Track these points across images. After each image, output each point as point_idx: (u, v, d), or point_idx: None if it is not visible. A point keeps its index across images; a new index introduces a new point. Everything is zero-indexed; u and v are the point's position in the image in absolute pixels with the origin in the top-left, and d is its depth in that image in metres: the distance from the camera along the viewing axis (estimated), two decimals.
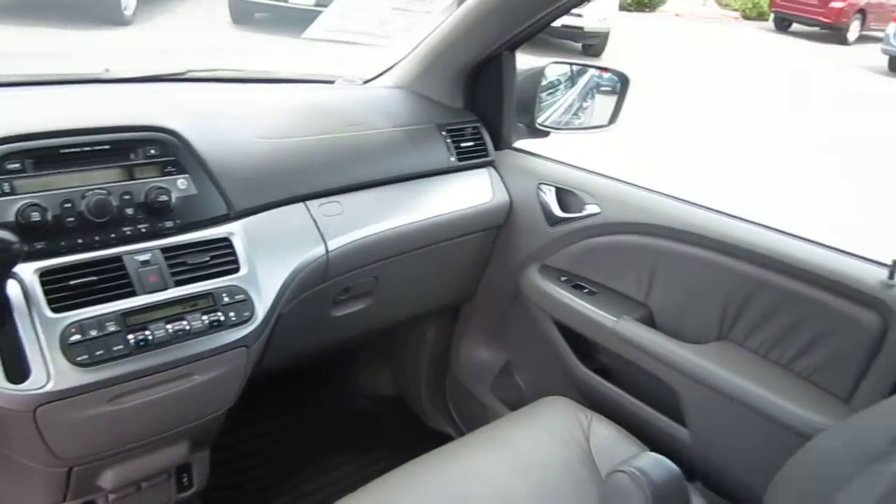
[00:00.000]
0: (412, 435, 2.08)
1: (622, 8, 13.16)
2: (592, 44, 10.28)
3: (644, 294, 1.57)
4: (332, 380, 2.20)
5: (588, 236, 1.62)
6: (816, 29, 15.15)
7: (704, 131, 7.26)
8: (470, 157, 1.68)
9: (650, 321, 1.56)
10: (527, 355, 1.86)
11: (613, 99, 1.90)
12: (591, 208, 1.62)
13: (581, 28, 9.89)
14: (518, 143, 1.81)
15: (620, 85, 1.89)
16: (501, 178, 1.73)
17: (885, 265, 1.26)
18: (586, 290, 1.63)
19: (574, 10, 7.58)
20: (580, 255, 1.65)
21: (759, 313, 1.40)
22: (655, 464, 0.73)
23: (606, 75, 1.96)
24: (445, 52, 1.67)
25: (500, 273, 1.80)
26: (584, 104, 2.02)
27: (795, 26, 15.75)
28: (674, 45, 12.49)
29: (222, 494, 1.69)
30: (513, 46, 1.66)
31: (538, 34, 1.64)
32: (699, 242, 1.47)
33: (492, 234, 1.75)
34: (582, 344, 1.66)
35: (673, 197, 1.56)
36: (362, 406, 2.17)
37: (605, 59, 10.15)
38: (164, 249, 1.14)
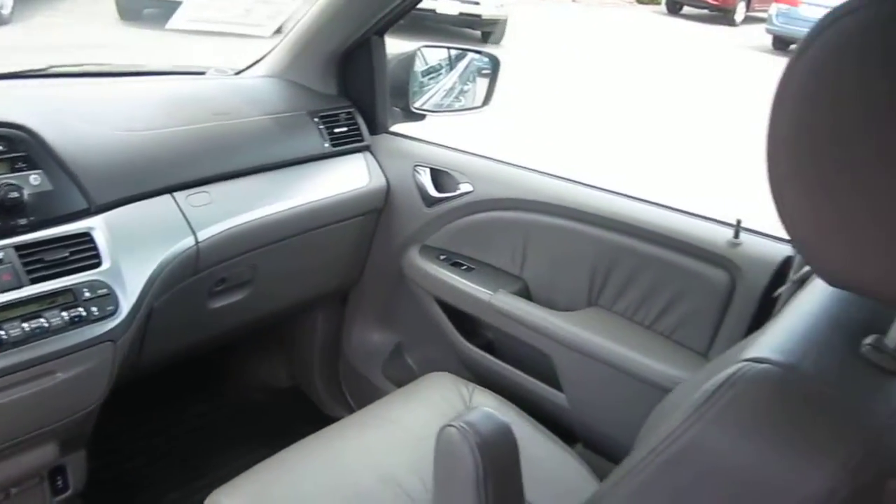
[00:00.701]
0: (309, 424, 2.08)
1: None
2: (491, 31, 10.39)
3: (519, 267, 1.62)
4: (226, 374, 2.18)
5: (463, 214, 1.66)
6: (706, 11, 15.74)
7: (583, 108, 7.49)
8: (344, 143, 1.69)
9: (526, 293, 1.61)
10: (415, 335, 1.89)
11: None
12: (464, 187, 1.66)
13: (479, 16, 9.99)
14: (396, 127, 1.84)
15: (492, 67, 1.94)
16: (378, 162, 1.75)
17: (730, 225, 1.35)
18: (464, 267, 1.67)
19: None
20: (457, 233, 1.69)
21: (624, 278, 1.47)
22: (484, 417, 0.76)
23: (480, 57, 2.01)
24: (314, 39, 1.67)
25: (383, 256, 1.82)
26: (465, 87, 2.06)
27: (686, 9, 16.32)
28: (568, 30, 12.75)
29: (110, 496, 1.66)
30: (380, 31, 1.68)
31: (403, 17, 1.67)
32: (567, 214, 1.53)
33: (372, 217, 1.76)
34: (464, 320, 1.70)
35: (541, 172, 1.61)
36: (258, 399, 2.15)
37: (505, 46, 10.29)
38: (19, 247, 1.11)
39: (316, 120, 1.66)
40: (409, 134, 1.82)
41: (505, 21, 10.42)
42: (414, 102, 1.84)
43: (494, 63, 1.93)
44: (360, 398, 2.05)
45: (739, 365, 0.63)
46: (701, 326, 1.38)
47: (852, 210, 0.57)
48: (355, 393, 2.05)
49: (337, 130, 1.69)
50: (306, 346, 2.05)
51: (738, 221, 1.33)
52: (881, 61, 0.55)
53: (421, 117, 1.86)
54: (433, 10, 9.68)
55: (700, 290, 1.37)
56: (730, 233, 1.34)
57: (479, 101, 1.95)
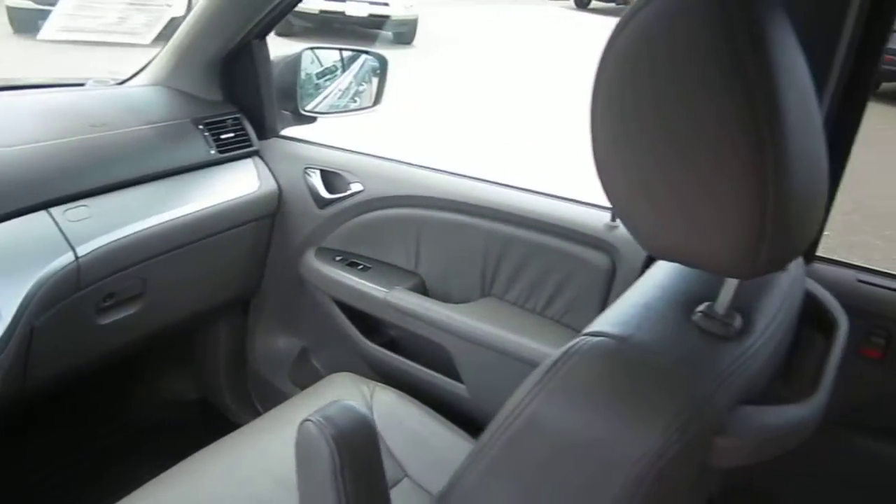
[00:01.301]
0: (220, 435, 2.06)
1: None
2: (402, 31, 10.42)
3: (414, 263, 1.64)
4: (131, 391, 2.13)
5: (356, 214, 1.67)
6: (612, 4, 16.11)
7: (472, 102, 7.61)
8: (232, 149, 1.68)
9: (422, 288, 1.63)
10: (319, 338, 1.88)
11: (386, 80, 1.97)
12: (354, 187, 1.66)
13: (388, 17, 10.01)
14: (287, 131, 1.83)
15: (381, 67, 1.95)
16: (268, 166, 1.74)
17: (608, 209, 1.39)
18: (360, 267, 1.68)
19: (378, 0, 7.56)
20: (351, 233, 1.69)
21: (514, 268, 1.50)
22: (341, 410, 0.77)
23: (371, 58, 2.02)
24: (193, 45, 1.65)
25: (281, 261, 1.81)
26: (361, 87, 2.07)
27: (595, 3, 16.67)
28: (480, 28, 12.87)
29: None
30: (261, 35, 1.67)
31: (281, 20, 1.66)
32: (457, 208, 1.55)
33: (266, 223, 1.75)
34: (365, 319, 1.70)
35: (430, 168, 1.63)
36: (165, 414, 2.11)
37: (416, 46, 10.33)
38: None
39: (201, 127, 1.64)
40: (305, 137, 1.81)
41: (415, 21, 10.46)
42: (305, 105, 1.83)
43: (383, 63, 1.94)
44: (268, 405, 2.03)
45: (576, 339, 0.66)
46: (588, 309, 1.42)
47: (672, 185, 0.61)
48: (263, 400, 2.03)
49: (223, 137, 1.67)
50: (211, 357, 2.02)
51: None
52: (672, 52, 0.58)
53: (311, 120, 1.85)
54: (342, 13, 9.66)
55: (585, 273, 1.41)
56: (607, 216, 1.38)
57: (369, 101, 1.95)
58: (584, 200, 1.45)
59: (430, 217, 1.58)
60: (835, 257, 1.28)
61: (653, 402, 0.61)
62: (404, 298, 1.56)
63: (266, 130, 1.76)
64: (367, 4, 9.85)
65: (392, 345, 1.70)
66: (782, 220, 0.59)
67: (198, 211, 1.55)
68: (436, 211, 1.57)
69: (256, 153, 1.74)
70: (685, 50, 0.58)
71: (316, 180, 1.70)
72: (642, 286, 0.77)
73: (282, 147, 1.77)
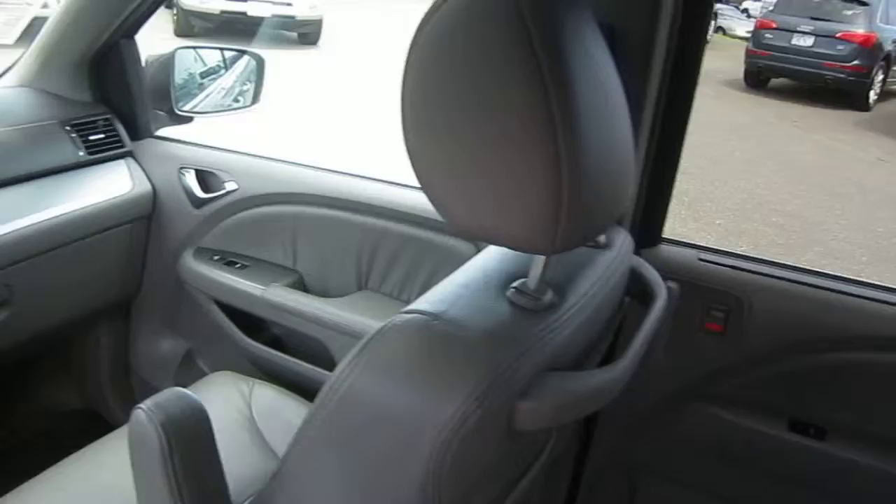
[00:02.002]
0: None
1: None
2: (307, 32, 10.33)
3: (292, 260, 1.65)
4: (10, 402, 2.06)
5: (232, 213, 1.67)
6: None
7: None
8: (102, 150, 1.65)
9: (301, 284, 1.64)
10: (203, 339, 1.87)
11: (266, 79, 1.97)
12: (229, 185, 1.67)
13: (292, 17, 9.91)
14: (164, 131, 1.81)
15: (258, 67, 1.95)
16: (142, 167, 1.72)
17: None
18: (238, 265, 1.68)
19: (283, 0, 7.51)
20: (228, 232, 1.70)
21: (387, 260, 1.54)
22: (172, 397, 0.79)
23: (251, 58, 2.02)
24: (59, 45, 1.62)
25: (159, 263, 1.79)
26: (244, 87, 2.06)
27: None
28: (389, 29, 12.87)
29: None
30: (129, 34, 1.65)
31: (149, 18, 1.65)
32: (331, 204, 1.58)
33: (141, 224, 1.73)
34: (246, 318, 1.71)
35: (304, 165, 1.65)
36: (49, 425, 2.06)
37: (321, 46, 10.26)
38: None
39: (68, 128, 1.61)
40: (183, 137, 1.80)
41: (320, 21, 10.38)
42: (183, 105, 1.82)
43: (260, 62, 1.95)
44: None
45: (393, 318, 0.70)
46: None
47: (475, 168, 0.65)
48: None
49: (93, 138, 1.64)
50: (93, 364, 1.98)
51: None
52: (470, 43, 0.63)
53: (188, 120, 1.84)
54: (244, 13, 9.51)
55: (454, 263, 1.45)
56: None
57: (248, 100, 1.96)
58: None
59: (306, 213, 1.60)
60: (679, 239, 1.36)
61: (457, 372, 0.65)
62: (281, 295, 1.58)
63: (139, 131, 1.74)
64: (269, 5, 9.73)
65: (274, 342, 1.71)
66: (577, 200, 0.64)
67: (65, 214, 1.53)
68: (311, 207, 1.60)
69: (129, 154, 1.72)
70: (482, 41, 0.63)
71: (191, 180, 1.70)
72: (465, 268, 0.82)
73: (156, 147, 1.76)
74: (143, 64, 1.76)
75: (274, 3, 9.73)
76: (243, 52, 1.98)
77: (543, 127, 0.62)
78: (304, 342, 1.61)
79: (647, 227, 1.30)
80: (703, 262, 1.31)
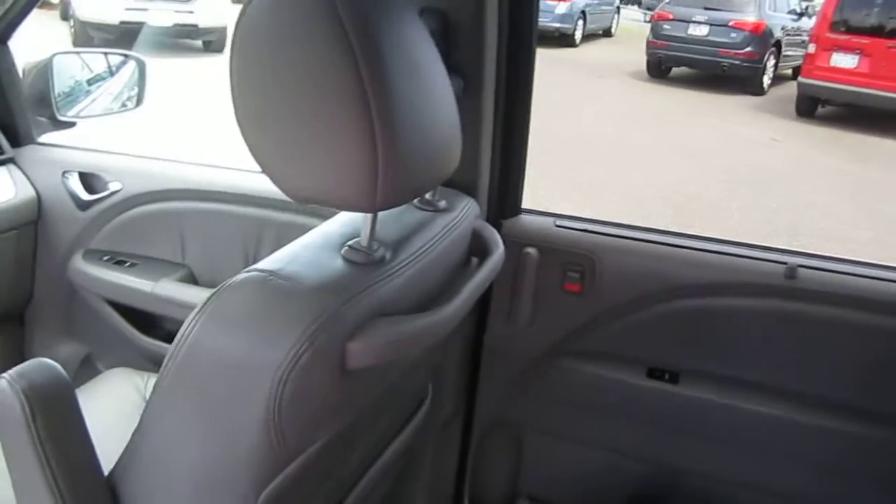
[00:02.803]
0: None
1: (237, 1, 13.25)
2: (211, 39, 10.20)
3: (180, 255, 1.69)
4: None
5: (118, 213, 1.70)
6: None
7: None
8: None
9: (191, 279, 1.69)
10: (101, 341, 1.89)
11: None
12: (113, 186, 1.70)
13: (195, 25, 9.78)
14: (46, 137, 1.82)
15: (140, 70, 1.98)
16: (24, 173, 1.73)
17: None
18: (128, 264, 1.71)
19: (184, 9, 7.46)
20: (116, 232, 1.72)
21: (272, 247, 1.59)
22: (36, 365, 0.84)
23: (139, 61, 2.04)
24: None
25: (50, 268, 1.80)
26: (132, 91, 2.08)
27: None
28: None
29: None
30: (1, 39, 1.67)
31: (21, 22, 1.66)
32: (215, 198, 1.63)
33: (28, 231, 1.74)
34: (140, 316, 1.74)
35: (185, 162, 1.70)
36: None
37: (227, 53, 10.13)
38: None
39: None
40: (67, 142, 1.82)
41: (224, 29, 10.25)
42: (65, 110, 1.83)
43: (142, 65, 1.98)
44: None
45: (235, 276, 0.77)
46: None
47: (301, 140, 0.73)
48: None
49: None
50: None
51: None
52: (289, 28, 0.71)
53: (70, 125, 1.86)
54: (144, 23, 9.33)
55: None
56: None
57: (132, 103, 1.98)
58: None
59: (191, 208, 1.65)
60: (537, 209, 1.47)
61: (289, 318, 0.73)
62: (172, 289, 1.62)
63: (20, 137, 1.75)
64: (171, 13, 9.57)
65: (169, 337, 1.74)
66: (393, 163, 0.73)
67: None
68: (196, 202, 1.64)
69: (10, 161, 1.73)
70: (300, 27, 0.71)
71: (74, 183, 1.72)
72: (308, 233, 0.89)
73: (38, 153, 1.77)
74: (21, 72, 1.78)
75: (175, 11, 9.58)
76: (126, 56, 2.00)
77: (357, 100, 0.70)
78: None
79: (506, 200, 1.41)
80: (559, 228, 1.42)
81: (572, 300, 1.40)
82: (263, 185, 1.60)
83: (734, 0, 10.89)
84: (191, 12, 9.71)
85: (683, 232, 1.43)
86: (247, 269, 0.78)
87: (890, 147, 8.10)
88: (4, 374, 0.81)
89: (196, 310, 0.76)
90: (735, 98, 10.11)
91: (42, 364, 0.83)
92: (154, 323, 1.77)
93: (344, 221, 0.91)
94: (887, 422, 1.31)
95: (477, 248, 1.08)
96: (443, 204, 1.03)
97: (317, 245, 0.85)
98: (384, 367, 0.86)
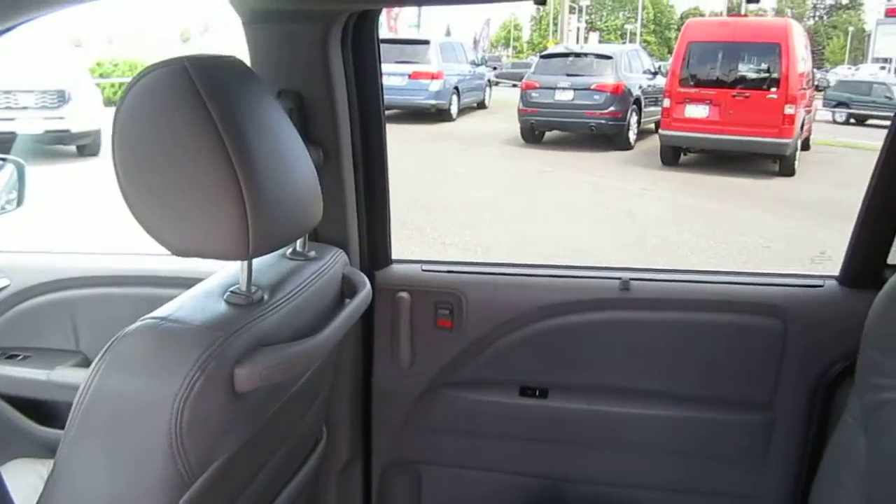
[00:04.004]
0: None
1: (110, 104, 13.20)
2: (86, 143, 10.08)
3: (74, 343, 1.74)
4: None
5: (7, 308, 1.74)
6: None
7: None
8: None
9: (87, 364, 1.74)
10: None
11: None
12: (1, 283, 1.74)
13: (67, 131, 9.65)
14: None
15: (18, 171, 2.05)
16: None
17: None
18: (20, 357, 1.74)
19: (54, 115, 7.35)
20: (5, 328, 1.76)
21: None
22: None
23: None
24: None
25: None
26: (11, 195, 2.13)
27: None
28: None
29: None
30: None
31: None
32: (104, 282, 1.70)
33: None
34: (38, 406, 1.76)
35: (74, 253, 1.77)
36: None
37: (103, 156, 10.04)
38: None
39: None
40: None
41: (98, 132, 10.16)
42: None
43: (20, 167, 2.04)
44: None
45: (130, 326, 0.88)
46: None
47: (180, 205, 0.86)
48: None
49: None
50: None
51: None
52: (164, 112, 0.85)
53: None
54: (13, 133, 9.14)
55: None
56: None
57: (13, 205, 2.04)
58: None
59: (81, 296, 1.71)
60: (406, 259, 1.63)
61: (181, 353, 0.84)
62: (67, 374, 1.66)
63: None
64: (41, 120, 9.43)
65: None
66: (260, 220, 0.87)
67: None
68: (85, 289, 1.71)
69: None
70: (171, 109, 0.85)
71: None
72: (194, 287, 1.01)
73: None
74: None
75: (45, 118, 9.45)
76: (3, 160, 2.06)
77: (223, 167, 0.85)
78: None
79: (376, 252, 1.56)
80: (426, 272, 1.58)
81: (445, 335, 1.55)
82: (149, 264, 1.70)
83: (593, 65, 11.71)
84: (62, 118, 9.60)
85: (534, 263, 1.62)
86: (140, 319, 0.89)
87: (745, 185, 8.84)
88: None
89: (95, 360, 0.86)
90: (606, 154, 10.77)
91: None
92: (51, 412, 1.79)
93: (225, 273, 1.03)
94: (722, 405, 1.51)
95: (349, 291, 1.22)
96: (312, 254, 1.18)
97: (201, 294, 0.97)
98: (269, 391, 0.98)
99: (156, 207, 0.88)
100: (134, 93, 0.87)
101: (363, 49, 1.44)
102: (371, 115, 1.47)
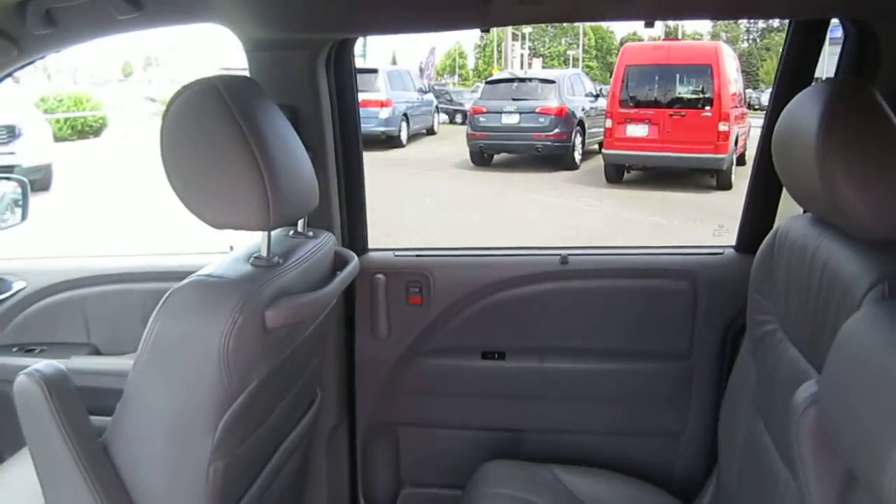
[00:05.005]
0: None
1: (61, 139, 13.25)
2: (36, 178, 10.08)
3: (86, 336, 1.96)
4: None
5: (24, 308, 1.94)
6: None
7: None
8: None
9: (97, 354, 1.96)
10: (11, 431, 2.08)
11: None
12: (17, 285, 1.95)
13: (17, 165, 9.66)
14: None
15: (23, 189, 2.26)
16: None
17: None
18: (37, 351, 1.95)
19: (4, 150, 7.46)
20: (22, 326, 1.96)
21: None
22: (45, 366, 1.15)
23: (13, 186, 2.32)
24: None
25: None
26: (6, 215, 2.34)
27: None
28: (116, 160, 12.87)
29: None
30: None
31: None
32: (112, 279, 1.92)
33: None
34: None
35: (83, 256, 2.00)
36: None
37: (54, 189, 10.08)
38: None
39: None
40: None
41: (49, 167, 10.19)
42: None
43: (24, 185, 2.26)
44: None
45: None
46: None
47: (218, 191, 1.13)
48: None
49: None
50: None
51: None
52: (201, 120, 1.11)
53: None
54: None
55: None
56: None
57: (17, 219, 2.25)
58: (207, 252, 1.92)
59: (92, 293, 1.93)
60: (380, 248, 1.91)
61: (223, 301, 1.10)
62: (83, 361, 1.88)
63: None
64: None
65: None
66: (277, 198, 1.14)
67: None
68: (96, 287, 1.93)
69: None
70: (206, 113, 1.12)
71: None
72: (226, 255, 1.27)
73: None
74: None
75: None
76: (8, 178, 2.28)
77: (248, 157, 1.12)
78: (112, 398, 1.91)
79: (356, 241, 1.83)
80: (397, 257, 1.86)
81: (417, 310, 1.82)
82: (156, 262, 1.93)
83: (537, 89, 12.16)
84: (12, 153, 9.63)
85: (490, 246, 1.91)
86: (188, 278, 1.15)
87: (685, 199, 9.31)
88: (24, 371, 1.12)
89: (157, 308, 1.11)
90: (553, 175, 11.18)
91: (48, 364, 1.14)
92: None
93: (246, 246, 1.29)
94: (650, 357, 1.81)
95: (340, 265, 1.49)
96: (310, 234, 1.45)
97: (231, 260, 1.23)
98: (287, 333, 1.24)
99: (196, 192, 1.14)
100: (177, 104, 1.13)
101: (343, 70, 1.73)
102: (349, 125, 1.76)
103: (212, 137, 1.12)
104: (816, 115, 1.07)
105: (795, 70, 1.62)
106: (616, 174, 10.45)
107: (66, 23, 1.47)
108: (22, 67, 1.68)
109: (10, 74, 1.72)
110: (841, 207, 1.05)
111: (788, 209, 1.62)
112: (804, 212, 1.36)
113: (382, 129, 13.10)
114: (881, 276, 1.02)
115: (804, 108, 1.12)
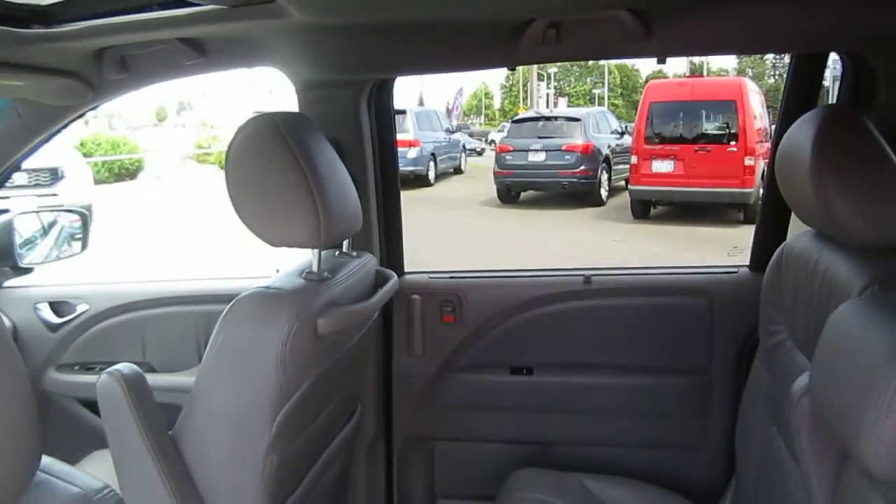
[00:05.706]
0: None
1: (100, 182, 13.66)
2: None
3: (142, 355, 2.11)
4: None
5: (86, 329, 2.10)
6: None
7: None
8: None
9: (153, 370, 2.10)
10: (71, 445, 2.22)
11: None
12: (81, 308, 2.11)
13: (60, 206, 9.99)
14: (10, 282, 2.22)
15: (83, 220, 2.44)
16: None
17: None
18: (97, 369, 2.10)
19: (48, 192, 7.73)
20: (84, 346, 2.11)
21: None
22: (123, 366, 1.28)
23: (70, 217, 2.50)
24: None
25: None
26: (77, 240, 2.52)
27: None
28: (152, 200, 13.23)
29: None
30: None
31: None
32: (167, 302, 2.08)
33: None
34: None
35: (140, 281, 2.15)
36: None
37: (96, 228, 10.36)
38: None
39: None
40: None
41: (90, 206, 10.45)
42: (22, 259, 2.24)
43: (85, 217, 2.44)
44: None
45: (242, 293, 1.28)
46: None
47: (279, 213, 1.27)
48: None
49: None
50: None
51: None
52: (262, 150, 1.27)
53: (29, 270, 2.27)
54: (7, 210, 9.44)
55: None
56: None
57: (78, 248, 2.43)
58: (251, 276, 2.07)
59: (149, 315, 2.08)
60: (409, 270, 2.04)
61: (281, 310, 1.24)
62: None
63: None
64: (33, 197, 9.78)
65: None
66: (327, 220, 1.28)
67: None
68: (152, 309, 2.08)
69: None
70: (267, 144, 1.27)
71: (45, 311, 2.11)
72: (280, 272, 1.41)
73: (8, 294, 2.16)
74: None
75: (38, 195, 9.81)
76: (71, 211, 2.46)
77: (303, 183, 1.26)
78: (167, 412, 2.05)
79: (392, 264, 1.97)
80: (432, 279, 1.99)
81: (450, 328, 1.95)
82: (206, 286, 2.08)
83: (563, 127, 12.35)
84: (55, 195, 9.97)
85: (517, 268, 2.03)
86: (249, 290, 1.29)
87: (714, 233, 9.35)
88: (106, 371, 1.26)
89: (222, 317, 1.25)
90: (579, 211, 11.28)
91: (126, 365, 1.28)
92: None
93: (298, 264, 1.44)
94: (669, 372, 1.91)
95: (380, 283, 1.63)
96: (354, 254, 1.59)
97: (285, 275, 1.37)
98: (335, 341, 1.37)
99: (257, 213, 1.29)
100: (242, 136, 1.29)
101: (382, 107, 1.90)
102: (388, 156, 1.91)
103: (271, 166, 1.27)
104: (811, 138, 1.19)
105: (798, 99, 1.74)
106: (642, 210, 10.55)
107: (137, 68, 1.64)
108: (93, 109, 1.86)
109: (81, 115, 1.90)
110: (835, 220, 1.17)
111: (799, 229, 1.73)
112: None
113: (411, 168, 13.33)
114: (872, 279, 1.14)
115: (801, 132, 1.24)
